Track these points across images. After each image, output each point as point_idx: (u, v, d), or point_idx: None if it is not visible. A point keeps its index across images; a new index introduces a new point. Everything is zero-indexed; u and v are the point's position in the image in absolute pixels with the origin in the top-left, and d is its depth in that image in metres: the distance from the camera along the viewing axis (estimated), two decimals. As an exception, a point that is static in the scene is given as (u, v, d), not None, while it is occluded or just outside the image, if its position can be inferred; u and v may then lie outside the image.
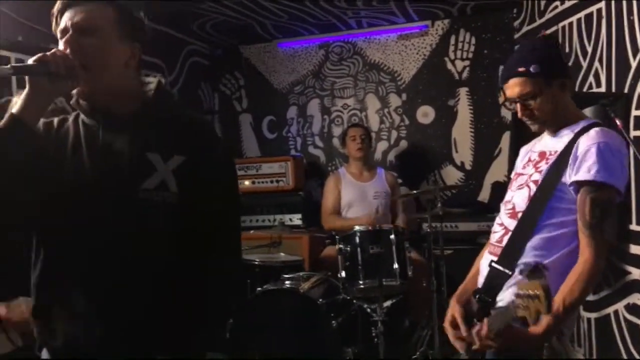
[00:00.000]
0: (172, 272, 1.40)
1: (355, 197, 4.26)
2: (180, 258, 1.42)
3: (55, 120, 1.49)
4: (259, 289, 3.37)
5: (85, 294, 1.37)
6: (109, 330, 1.36)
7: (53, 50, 1.33)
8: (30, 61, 1.31)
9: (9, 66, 1.29)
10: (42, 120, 1.45)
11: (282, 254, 3.96)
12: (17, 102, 1.31)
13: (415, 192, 4.16)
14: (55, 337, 1.39)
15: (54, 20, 1.42)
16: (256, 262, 3.70)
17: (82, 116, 1.48)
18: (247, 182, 4.87)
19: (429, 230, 3.69)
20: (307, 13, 4.59)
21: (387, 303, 3.33)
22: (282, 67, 5.38)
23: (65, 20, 1.39)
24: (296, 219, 4.69)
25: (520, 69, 1.81)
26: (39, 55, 1.31)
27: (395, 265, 3.29)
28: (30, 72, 1.30)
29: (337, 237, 3.52)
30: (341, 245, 3.40)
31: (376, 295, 3.30)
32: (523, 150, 2.08)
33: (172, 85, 4.92)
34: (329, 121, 5.27)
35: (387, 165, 4.99)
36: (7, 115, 1.29)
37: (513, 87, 1.84)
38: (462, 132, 4.86)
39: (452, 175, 4.86)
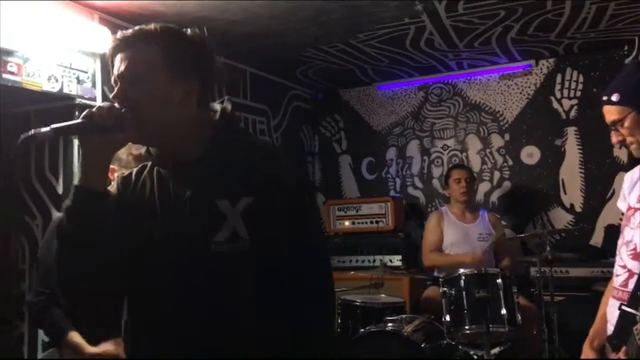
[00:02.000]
0: (254, 324, 1.30)
1: (458, 238, 4.17)
2: (264, 307, 1.31)
3: (134, 171, 1.43)
4: (362, 330, 3.36)
5: (171, 350, 1.31)
6: None
7: (98, 105, 1.27)
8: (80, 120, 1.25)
9: (48, 128, 1.20)
10: (120, 175, 1.43)
11: (383, 295, 3.93)
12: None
13: (523, 235, 4.01)
14: None
15: (110, 65, 1.35)
16: (357, 303, 3.69)
17: (156, 168, 1.40)
18: (346, 223, 4.92)
19: (538, 275, 3.54)
20: (407, 57, 4.65)
21: (495, 350, 3.20)
22: (381, 109, 5.45)
23: (114, 69, 1.32)
24: (396, 260, 4.66)
25: (604, 97, 1.87)
26: (85, 112, 1.25)
27: (503, 311, 3.17)
28: (75, 131, 1.25)
29: (440, 279, 3.46)
30: (445, 288, 3.33)
31: (483, 341, 3.19)
32: (628, 179, 1.95)
33: (276, 129, 5.13)
34: (429, 162, 5.24)
35: (490, 207, 4.87)
36: (72, 189, 1.26)
37: (605, 115, 1.88)
38: (571, 173, 4.66)
39: (560, 218, 4.65)
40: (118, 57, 1.31)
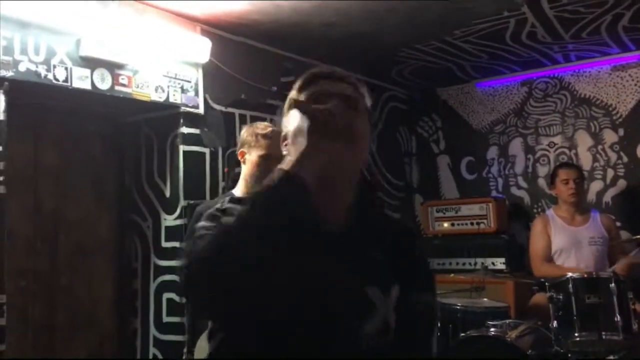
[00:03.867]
0: None
1: (568, 243, 3.92)
2: None
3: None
4: (462, 334, 3.26)
5: None
6: None
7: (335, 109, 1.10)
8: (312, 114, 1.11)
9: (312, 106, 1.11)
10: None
11: (485, 299, 3.80)
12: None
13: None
14: None
15: (297, 90, 1.22)
16: (458, 307, 3.59)
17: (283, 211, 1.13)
18: (445, 224, 4.81)
19: (657, 280, 3.26)
20: (507, 51, 4.47)
21: (609, 359, 2.99)
22: (481, 106, 5.28)
23: (326, 86, 1.17)
24: (499, 263, 4.48)
25: None
26: (322, 107, 1.09)
27: (617, 317, 2.95)
28: (313, 122, 1.09)
29: (546, 283, 3.28)
30: (552, 293, 3.15)
31: (595, 350, 2.99)
32: None
33: (372, 130, 5.10)
34: (534, 161, 5.00)
35: (603, 207, 4.55)
36: (277, 172, 1.06)
37: None
38: (695, 169, 4.27)
39: (683, 218, 4.27)
40: (334, 84, 1.18)
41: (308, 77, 1.21)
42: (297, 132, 1.09)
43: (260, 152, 2.50)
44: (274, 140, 2.48)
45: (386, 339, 1.11)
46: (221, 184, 3.65)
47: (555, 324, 3.10)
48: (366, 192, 1.21)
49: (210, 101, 3.64)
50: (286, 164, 1.06)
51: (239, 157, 2.61)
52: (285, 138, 1.18)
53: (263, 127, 2.57)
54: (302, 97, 1.18)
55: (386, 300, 1.12)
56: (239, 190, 2.64)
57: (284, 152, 1.17)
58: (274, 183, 1.04)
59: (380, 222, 1.26)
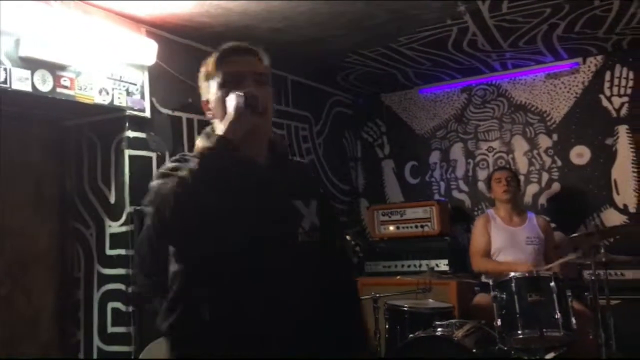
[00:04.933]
0: (317, 298, 1.56)
1: (506, 242, 4.09)
2: (324, 290, 1.58)
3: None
4: (411, 335, 3.33)
5: (251, 323, 1.46)
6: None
7: (252, 91, 1.48)
8: (240, 93, 1.46)
9: (241, 93, 1.46)
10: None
11: (430, 300, 3.89)
12: (214, 130, 1.54)
13: (575, 235, 3.90)
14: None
15: (220, 63, 1.57)
16: (405, 308, 3.66)
17: (227, 154, 1.46)
18: (391, 227, 4.89)
19: (593, 278, 3.43)
20: (449, 59, 4.61)
21: (550, 355, 3.13)
22: (423, 112, 5.41)
23: (238, 65, 1.56)
24: (442, 265, 4.60)
25: None
26: (251, 90, 1.47)
27: (557, 315, 3.10)
28: (247, 103, 1.45)
29: (490, 284, 3.40)
30: (496, 293, 3.27)
31: (537, 346, 3.12)
32: None
33: (319, 134, 5.15)
34: (474, 165, 5.17)
35: (539, 209, 4.77)
36: (214, 138, 1.43)
37: None
38: (624, 173, 4.53)
39: (613, 219, 4.52)
40: (241, 59, 1.57)
41: (222, 54, 1.58)
42: (221, 104, 1.52)
43: None
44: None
45: (316, 235, 1.57)
46: (168, 189, 3.57)
47: (499, 322, 3.21)
48: (279, 144, 1.67)
49: (157, 104, 3.57)
50: (220, 131, 1.45)
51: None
52: (207, 103, 1.61)
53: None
54: (219, 74, 1.55)
55: (309, 209, 1.58)
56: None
57: (209, 115, 1.61)
58: (215, 145, 1.41)
59: (291, 163, 1.79)
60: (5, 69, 2.78)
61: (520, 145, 4.98)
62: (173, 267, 1.54)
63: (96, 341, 3.40)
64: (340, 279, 1.69)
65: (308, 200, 1.59)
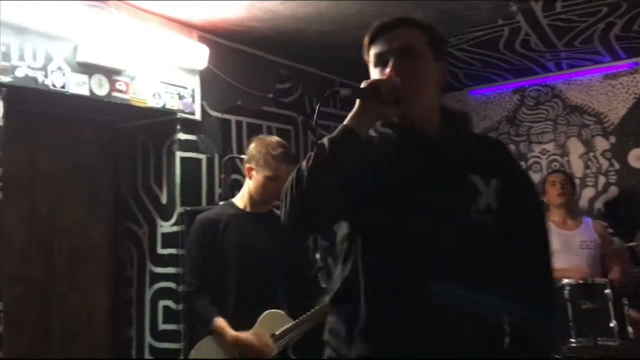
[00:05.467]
0: (495, 288, 1.37)
1: (560, 247, 3.94)
2: (499, 277, 1.39)
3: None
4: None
5: (416, 307, 1.33)
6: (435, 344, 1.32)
7: (383, 76, 1.36)
8: (364, 84, 1.34)
9: (349, 89, 1.35)
10: None
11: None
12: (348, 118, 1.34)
13: (635, 243, 3.75)
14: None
15: (366, 49, 1.46)
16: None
17: (391, 133, 1.45)
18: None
19: (651, 286, 3.29)
20: (501, 59, 4.52)
21: (605, 365, 3.01)
22: (473, 114, 5.31)
23: (382, 45, 1.41)
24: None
25: None
26: (371, 80, 1.35)
27: (613, 323, 2.98)
28: (365, 95, 1.33)
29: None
30: (548, 299, 3.17)
31: (591, 355, 3.01)
32: None
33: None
34: (526, 168, 5.03)
35: (595, 214, 4.60)
36: (340, 127, 1.32)
37: None
38: (686, 176, 4.32)
39: (675, 225, 4.31)
40: (385, 36, 1.41)
41: (370, 36, 1.45)
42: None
43: (268, 173, 2.51)
44: (284, 162, 2.49)
45: (491, 217, 1.38)
46: (218, 191, 3.64)
47: (551, 330, 3.11)
48: (457, 115, 1.53)
49: (207, 108, 3.64)
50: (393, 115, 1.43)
51: (246, 172, 2.61)
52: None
53: (274, 145, 2.54)
54: (370, 58, 1.44)
55: (488, 187, 1.40)
56: (240, 201, 2.64)
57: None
58: (337, 134, 1.31)
59: (476, 136, 1.56)
60: (63, 74, 2.90)
61: (575, 148, 4.82)
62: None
63: (148, 338, 3.50)
64: (523, 271, 1.44)
65: (489, 177, 1.41)
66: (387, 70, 1.37)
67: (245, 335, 2.40)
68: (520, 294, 1.41)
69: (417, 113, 1.42)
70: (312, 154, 1.30)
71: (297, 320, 2.51)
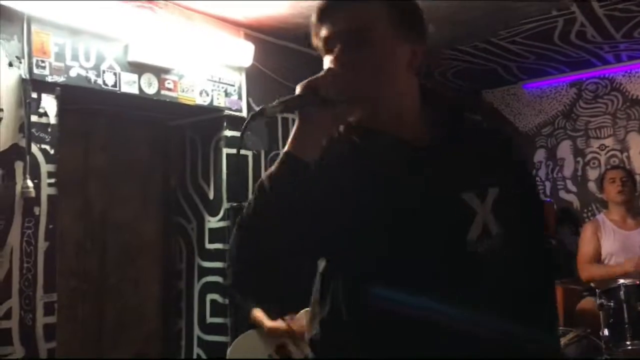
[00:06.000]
0: (501, 319, 1.13)
1: (618, 247, 3.79)
2: (505, 305, 1.14)
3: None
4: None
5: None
6: None
7: (320, 74, 1.09)
8: (298, 89, 1.08)
9: (276, 102, 1.08)
10: None
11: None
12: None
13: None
14: None
15: (314, 32, 1.17)
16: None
17: (359, 141, 1.17)
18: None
19: None
20: (556, 52, 4.36)
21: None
22: (527, 108, 5.16)
23: (327, 29, 1.12)
24: (547, 269, 4.35)
25: None
26: (306, 81, 1.08)
27: (672, 327, 2.84)
28: (299, 105, 1.09)
29: (597, 290, 3.17)
30: (603, 300, 3.05)
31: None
32: None
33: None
34: (583, 164, 4.85)
35: (657, 212, 4.38)
36: (281, 155, 1.09)
37: None
38: None
39: None
40: (330, 16, 1.12)
41: (315, 17, 1.16)
42: None
43: None
44: None
45: (489, 244, 1.12)
46: (264, 187, 3.67)
47: (606, 332, 2.99)
48: (453, 109, 1.23)
49: (253, 104, 3.68)
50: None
51: None
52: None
53: None
54: (317, 43, 1.16)
55: (483, 205, 1.12)
56: None
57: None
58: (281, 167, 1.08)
59: (473, 136, 1.21)
60: (115, 74, 2.99)
61: (635, 143, 4.61)
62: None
63: (196, 330, 3.58)
64: (531, 304, 1.19)
65: (485, 190, 1.13)
66: (329, 63, 1.11)
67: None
68: (520, 320, 1.15)
69: (382, 111, 1.14)
70: (251, 198, 1.10)
71: None
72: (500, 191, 1.15)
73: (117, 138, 3.49)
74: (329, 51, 1.13)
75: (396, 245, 1.10)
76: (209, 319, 3.52)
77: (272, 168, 1.09)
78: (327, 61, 1.12)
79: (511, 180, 1.19)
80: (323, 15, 1.13)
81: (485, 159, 1.17)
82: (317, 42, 1.17)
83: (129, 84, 3.05)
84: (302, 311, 2.51)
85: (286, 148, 1.08)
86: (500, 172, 1.18)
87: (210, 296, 3.52)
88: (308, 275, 1.44)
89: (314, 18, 1.16)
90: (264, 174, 1.10)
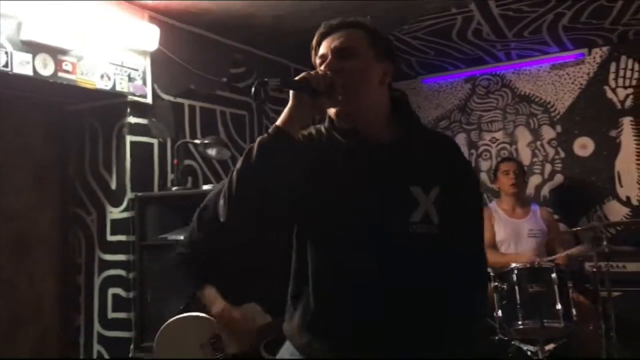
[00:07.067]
0: (432, 301, 1.38)
1: (509, 235, 4.06)
2: (438, 287, 1.38)
3: (313, 131, 1.50)
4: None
5: (344, 318, 1.39)
6: (367, 351, 1.37)
7: (315, 70, 1.39)
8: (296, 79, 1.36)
9: (278, 79, 1.33)
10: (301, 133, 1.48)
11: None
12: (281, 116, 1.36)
13: (579, 228, 3.88)
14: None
15: (314, 52, 1.49)
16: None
17: (336, 135, 1.46)
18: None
19: (594, 269, 3.42)
20: (454, 48, 4.58)
21: (550, 346, 3.11)
22: (426, 102, 5.38)
23: (323, 47, 1.45)
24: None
25: None
26: (302, 74, 1.35)
27: (558, 306, 3.08)
28: (295, 87, 1.35)
29: (491, 274, 3.38)
30: (497, 283, 3.26)
31: (537, 337, 3.11)
32: None
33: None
34: (476, 155, 5.14)
35: (541, 201, 4.75)
36: (272, 127, 1.33)
37: None
38: (627, 165, 4.51)
39: (616, 211, 4.50)
40: (328, 39, 1.45)
41: (315, 40, 1.49)
42: None
43: None
44: None
45: (429, 228, 1.37)
46: (170, 176, 3.56)
47: (499, 312, 3.20)
48: (402, 111, 1.50)
49: (158, 90, 3.55)
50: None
51: None
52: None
53: None
54: (317, 57, 1.47)
55: (427, 198, 1.39)
56: None
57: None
58: (269, 136, 1.33)
59: (424, 135, 1.50)
60: (6, 53, 2.77)
61: (523, 136, 4.95)
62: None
63: (96, 326, 3.42)
64: (459, 282, 1.41)
65: (430, 186, 1.40)
66: (322, 68, 1.41)
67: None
68: (457, 294, 1.41)
69: (356, 111, 1.43)
70: (242, 156, 1.33)
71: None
72: (444, 188, 1.41)
73: (10, 122, 3.23)
74: (322, 63, 1.44)
75: (352, 222, 1.38)
76: (111, 314, 3.37)
77: (262, 137, 1.33)
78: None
79: (455, 179, 1.44)
80: (321, 38, 1.47)
81: (434, 159, 1.45)
82: (315, 60, 1.48)
83: (22, 65, 2.84)
84: (250, 305, 2.36)
85: (278, 122, 1.34)
86: (445, 172, 1.43)
87: (112, 290, 3.37)
88: (269, 266, 1.46)
89: (314, 41, 1.49)
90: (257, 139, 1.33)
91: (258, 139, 1.33)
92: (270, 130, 1.34)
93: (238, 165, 1.33)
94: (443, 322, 1.38)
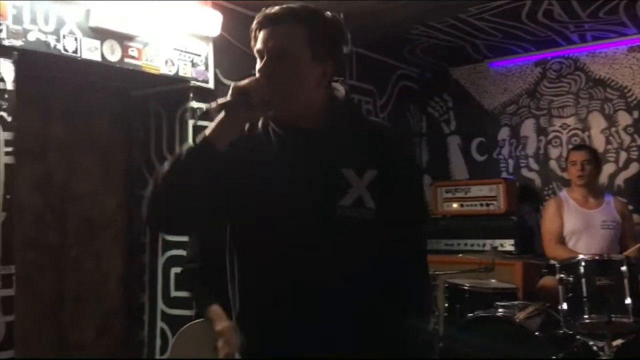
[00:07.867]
0: (367, 288, 1.38)
1: (580, 226, 3.88)
2: (374, 274, 1.38)
3: (245, 127, 1.47)
4: (470, 315, 3.26)
5: (283, 308, 1.37)
6: (307, 343, 1.35)
7: (251, 80, 1.34)
8: (230, 92, 1.32)
9: (214, 104, 1.33)
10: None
11: (493, 280, 3.78)
12: (210, 126, 1.35)
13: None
14: (253, 345, 1.43)
15: (253, 37, 1.42)
16: (465, 287, 3.58)
17: (272, 125, 1.44)
18: (454, 205, 4.77)
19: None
20: (523, 30, 4.39)
21: (617, 342, 2.97)
22: (493, 87, 5.20)
23: (260, 41, 1.38)
24: (508, 245, 4.45)
25: None
26: (240, 85, 1.32)
27: (628, 300, 2.93)
28: (233, 106, 1.32)
29: (557, 265, 3.25)
30: (562, 275, 3.13)
31: (604, 332, 2.97)
32: None
33: (382, 109, 5.06)
34: (546, 142, 4.93)
35: (615, 190, 4.50)
36: (200, 136, 1.34)
37: None
38: None
39: (696, 203, 4.22)
40: (264, 32, 1.37)
41: (254, 27, 1.41)
42: None
43: None
44: None
45: (361, 212, 1.36)
46: (230, 160, 3.62)
47: (564, 306, 3.07)
48: (347, 104, 1.51)
49: (220, 76, 3.60)
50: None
51: None
52: None
53: None
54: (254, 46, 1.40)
55: (360, 181, 1.37)
56: None
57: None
58: (196, 145, 1.35)
59: (361, 124, 1.50)
60: (75, 39, 2.88)
61: (597, 123, 4.70)
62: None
63: (160, 304, 3.53)
64: (394, 273, 1.41)
65: (363, 169, 1.37)
66: (257, 72, 1.38)
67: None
68: (393, 295, 1.39)
69: (289, 113, 1.40)
70: (169, 161, 1.40)
71: None
72: (379, 174, 1.38)
73: (78, 107, 3.37)
74: (259, 58, 1.38)
75: (278, 209, 1.36)
76: (173, 293, 3.48)
77: (191, 143, 1.37)
78: (257, 67, 1.38)
79: (394, 167, 1.42)
80: (260, 27, 1.38)
81: (371, 144, 1.42)
82: (253, 45, 1.41)
83: (91, 50, 2.95)
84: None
85: (207, 132, 1.33)
86: (382, 160, 1.40)
87: (174, 269, 3.47)
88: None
89: (253, 25, 1.40)
90: (182, 147, 1.41)
91: (185, 148, 1.36)
92: (197, 139, 1.34)
93: (163, 169, 1.37)
94: (368, 315, 1.36)
